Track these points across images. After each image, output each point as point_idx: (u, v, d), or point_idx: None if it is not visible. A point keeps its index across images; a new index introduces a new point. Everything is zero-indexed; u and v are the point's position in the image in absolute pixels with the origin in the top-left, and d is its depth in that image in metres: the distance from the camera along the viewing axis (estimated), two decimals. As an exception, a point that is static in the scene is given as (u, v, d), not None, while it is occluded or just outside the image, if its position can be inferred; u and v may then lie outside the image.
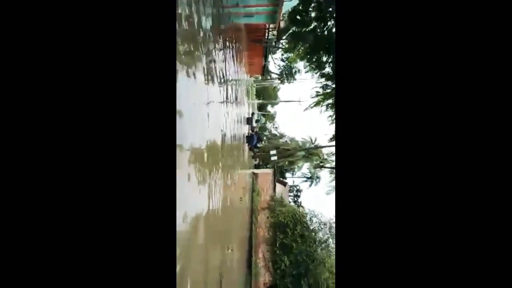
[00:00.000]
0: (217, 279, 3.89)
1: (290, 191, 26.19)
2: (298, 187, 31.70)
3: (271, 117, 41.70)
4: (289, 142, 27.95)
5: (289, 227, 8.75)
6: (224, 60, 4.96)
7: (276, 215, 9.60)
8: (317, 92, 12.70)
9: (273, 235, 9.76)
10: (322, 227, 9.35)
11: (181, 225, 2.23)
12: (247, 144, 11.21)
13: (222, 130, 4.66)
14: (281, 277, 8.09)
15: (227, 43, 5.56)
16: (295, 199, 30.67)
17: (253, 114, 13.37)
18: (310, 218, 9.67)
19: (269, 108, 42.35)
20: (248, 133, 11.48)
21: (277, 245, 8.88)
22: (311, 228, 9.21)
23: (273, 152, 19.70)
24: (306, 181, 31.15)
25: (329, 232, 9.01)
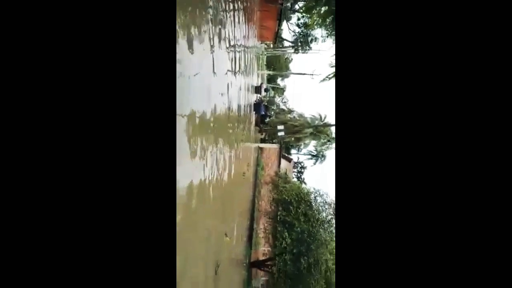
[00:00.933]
0: (217, 252, 3.82)
1: (294, 167, 26.35)
2: (302, 164, 31.99)
3: (280, 91, 40.52)
4: (298, 118, 27.40)
5: (292, 205, 8.54)
6: (234, 21, 4.36)
7: (280, 192, 9.39)
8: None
9: (275, 209, 9.71)
10: (326, 207, 9.12)
11: (183, 197, 2.17)
12: (254, 112, 10.77)
13: (228, 100, 4.28)
14: (281, 253, 8.12)
15: (238, 1, 4.88)
16: (299, 175, 31.12)
17: (262, 83, 12.68)
18: (314, 197, 9.43)
19: (279, 80, 40.93)
20: (256, 100, 10.97)
21: (279, 222, 8.80)
22: (315, 207, 9.00)
23: (280, 127, 19.23)
24: (311, 158, 31.23)
25: (333, 213, 8.85)
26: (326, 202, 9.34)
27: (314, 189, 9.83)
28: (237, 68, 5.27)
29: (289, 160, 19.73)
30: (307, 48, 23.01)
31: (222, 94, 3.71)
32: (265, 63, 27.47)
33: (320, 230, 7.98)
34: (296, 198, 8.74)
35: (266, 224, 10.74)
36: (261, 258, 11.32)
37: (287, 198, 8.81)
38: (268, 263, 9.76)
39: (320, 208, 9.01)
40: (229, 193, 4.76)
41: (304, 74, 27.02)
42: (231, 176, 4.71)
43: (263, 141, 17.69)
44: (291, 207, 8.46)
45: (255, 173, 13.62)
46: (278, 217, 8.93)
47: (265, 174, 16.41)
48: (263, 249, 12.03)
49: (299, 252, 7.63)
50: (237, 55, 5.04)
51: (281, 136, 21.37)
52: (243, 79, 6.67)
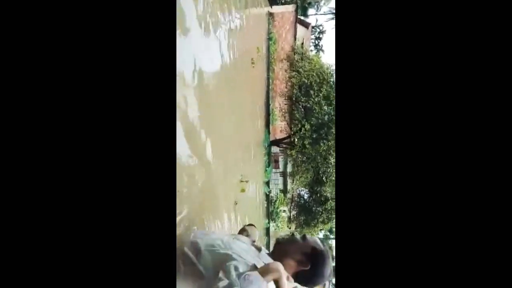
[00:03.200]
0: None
1: (312, 33, 22.45)
2: (321, 28, 27.16)
3: None
4: None
5: (313, 89, 7.44)
6: None
7: (298, 73, 8.00)
8: None
9: (292, 90, 8.78)
10: None
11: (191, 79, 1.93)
12: None
13: None
14: (300, 137, 8.01)
15: None
16: (317, 42, 27.31)
17: None
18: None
19: None
20: None
21: (297, 107, 8.10)
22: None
23: (296, -24, 14.19)
24: (332, 18, 26.03)
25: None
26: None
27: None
28: None
29: (307, 25, 16.39)
30: None
31: None
32: None
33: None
34: (317, 80, 7.48)
35: (282, 104, 10.30)
36: (279, 135, 11.84)
37: (306, 81, 7.56)
38: (286, 140, 10.12)
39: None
40: (241, 78, 4.01)
41: None
42: (240, 57, 3.73)
43: (273, 1, 13.72)
44: (311, 91, 7.41)
45: (267, 49, 11.71)
46: (297, 102, 8.12)
47: (279, 48, 14.16)
48: (279, 124, 12.37)
49: (318, 135, 7.43)
50: None
51: (296, -9, 16.49)
52: None
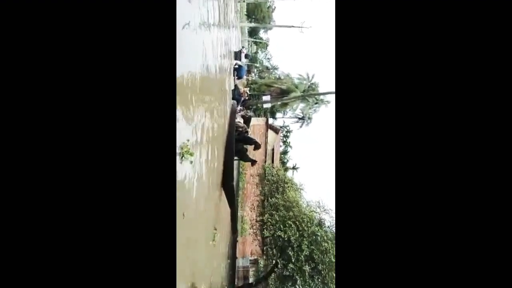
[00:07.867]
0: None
1: (281, 131, 23.68)
2: (288, 128, 29.41)
3: (263, 45, 34.53)
4: (283, 78, 23.57)
5: (291, 247, 5.49)
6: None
7: (272, 220, 6.14)
8: None
9: (263, 245, 6.74)
10: (333, 230, 6.19)
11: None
12: (236, 77, 8.19)
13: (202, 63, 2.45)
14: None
15: None
16: (284, 139, 28.92)
17: (242, 48, 8.82)
18: (319, 221, 6.39)
19: (261, 33, 34.57)
20: (236, 65, 8.16)
21: (276, 276, 5.84)
22: (322, 238, 6.04)
23: (266, 98, 15.31)
24: (297, 121, 28.62)
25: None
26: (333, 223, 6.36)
27: (319, 206, 6.70)
28: (212, 21, 3.11)
29: (277, 131, 16.70)
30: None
31: (195, 53, 2.25)
32: (245, 12, 21.13)
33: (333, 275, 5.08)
34: (296, 233, 5.59)
35: (253, 221, 8.54)
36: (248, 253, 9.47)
37: (283, 235, 5.61)
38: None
39: (329, 233, 5.95)
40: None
41: (291, 26, 21.15)
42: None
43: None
44: (289, 251, 5.36)
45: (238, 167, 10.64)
46: (272, 266, 5.90)
47: (251, 155, 13.46)
48: (250, 247, 10.20)
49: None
50: (211, 4, 3.05)
51: (267, 107, 17.72)
52: (221, 34, 4.03)
